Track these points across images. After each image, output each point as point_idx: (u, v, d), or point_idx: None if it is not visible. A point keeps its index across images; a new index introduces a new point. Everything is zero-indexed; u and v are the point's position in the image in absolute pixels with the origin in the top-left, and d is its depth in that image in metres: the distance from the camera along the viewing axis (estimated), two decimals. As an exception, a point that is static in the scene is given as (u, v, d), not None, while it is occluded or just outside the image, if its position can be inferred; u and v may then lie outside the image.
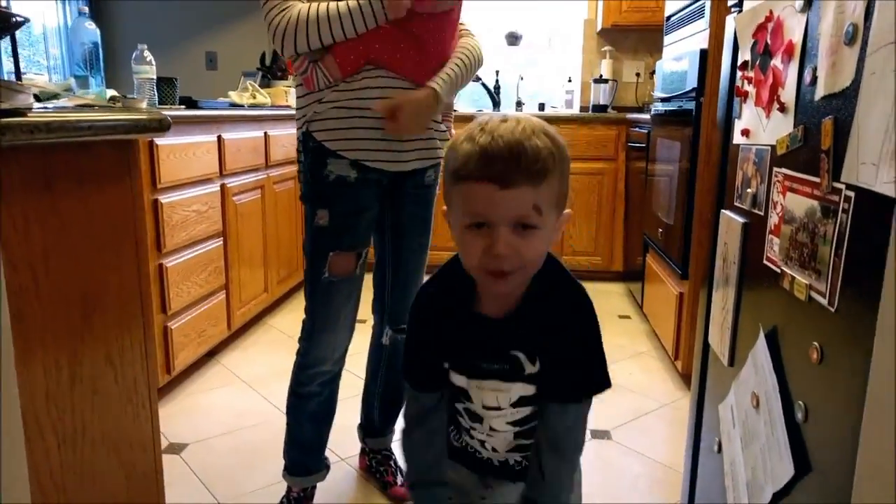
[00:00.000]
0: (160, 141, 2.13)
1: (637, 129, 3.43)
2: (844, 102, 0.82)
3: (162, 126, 1.02)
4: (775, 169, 1.04)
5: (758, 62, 1.12)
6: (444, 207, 0.89)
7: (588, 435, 2.08)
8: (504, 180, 0.77)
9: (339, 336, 1.52)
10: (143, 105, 2.16)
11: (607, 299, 3.63)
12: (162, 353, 2.22)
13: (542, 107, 4.31)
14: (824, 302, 0.84)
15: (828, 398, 0.85)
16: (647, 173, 3.14)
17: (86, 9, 2.30)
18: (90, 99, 1.96)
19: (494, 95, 4.28)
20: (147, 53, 2.30)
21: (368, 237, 1.56)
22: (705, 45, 2.22)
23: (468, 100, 4.62)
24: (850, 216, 0.79)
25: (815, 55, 0.91)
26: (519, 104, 4.32)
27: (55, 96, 2.27)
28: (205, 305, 2.50)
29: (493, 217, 0.79)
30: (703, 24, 2.29)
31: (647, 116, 3.20)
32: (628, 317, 3.30)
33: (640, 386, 2.47)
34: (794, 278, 0.93)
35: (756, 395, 1.06)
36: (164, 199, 2.18)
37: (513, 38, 4.42)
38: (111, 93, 2.40)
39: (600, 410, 2.25)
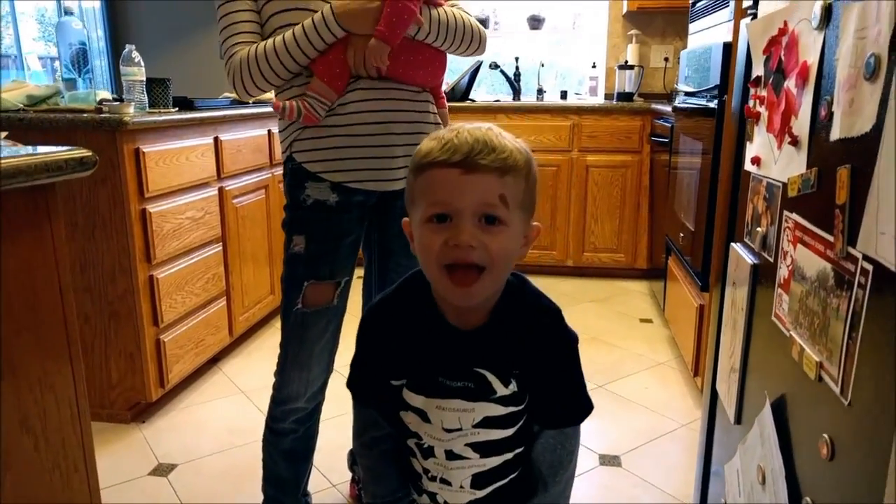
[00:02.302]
0: (147, 148, 2.04)
1: (662, 121, 3.23)
2: (864, 150, 0.66)
3: (84, 165, 0.91)
4: (786, 213, 0.88)
5: (771, 80, 0.96)
6: (406, 219, 0.81)
7: (596, 460, 1.95)
8: (468, 165, 0.71)
9: (314, 372, 1.42)
10: (131, 109, 2.07)
11: (630, 300, 3.46)
12: (155, 368, 2.15)
13: (564, 95, 4.12)
14: (836, 390, 0.70)
15: (840, 501, 0.71)
16: (670, 168, 2.95)
17: (73, 6, 2.21)
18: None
19: (514, 83, 4.10)
20: (135, 54, 2.20)
21: (349, 266, 1.44)
22: (729, 38, 2.02)
23: (487, 88, 4.44)
24: (867, 293, 0.64)
25: (832, 84, 0.75)
26: (540, 92, 4.13)
27: (43, 101, 2.20)
28: (203, 314, 2.43)
29: (457, 204, 0.72)
30: (727, 13, 2.09)
31: (670, 108, 3.00)
32: (650, 320, 3.14)
33: (657, 403, 2.32)
34: (803, 350, 0.79)
35: (762, 469, 0.92)
36: (154, 208, 2.10)
37: (535, 22, 4.23)
38: (102, 95, 2.33)
39: (612, 432, 2.12)
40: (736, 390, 1.08)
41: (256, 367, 2.61)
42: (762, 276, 0.99)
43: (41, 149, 0.89)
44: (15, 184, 0.81)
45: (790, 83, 0.88)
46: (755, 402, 0.99)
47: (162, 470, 1.91)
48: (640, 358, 2.68)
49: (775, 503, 0.85)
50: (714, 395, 1.26)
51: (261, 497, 1.55)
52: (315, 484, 1.70)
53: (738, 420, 1.08)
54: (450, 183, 0.72)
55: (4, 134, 0.95)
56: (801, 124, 0.83)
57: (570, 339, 0.84)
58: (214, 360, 2.63)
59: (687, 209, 2.48)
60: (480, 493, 0.86)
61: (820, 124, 0.78)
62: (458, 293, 0.75)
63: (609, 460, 1.96)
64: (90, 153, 0.92)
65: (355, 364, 0.91)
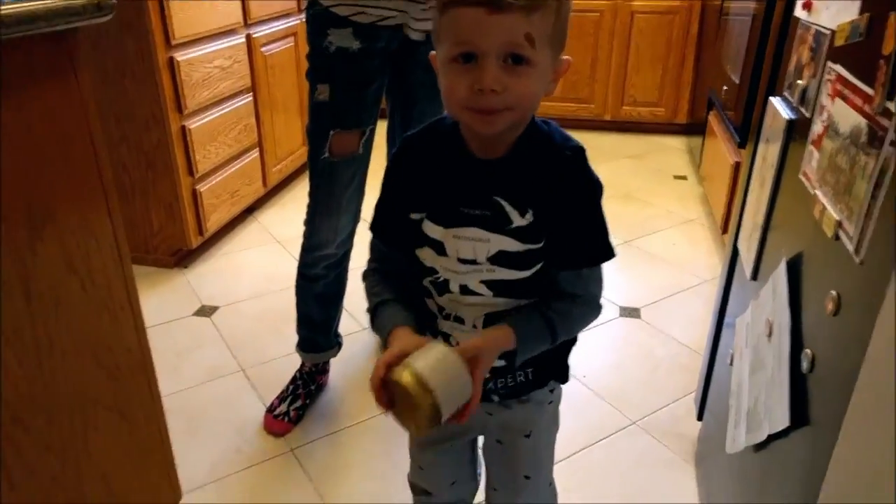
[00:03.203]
0: (169, -8, 1.98)
1: (717, -40, 2.95)
2: (919, -6, 0.61)
3: (102, 10, 0.89)
4: (829, 64, 0.83)
5: (833, -90, 0.86)
6: (433, 52, 0.80)
7: (616, 311, 2.02)
8: (494, 3, 0.69)
9: (343, 220, 1.46)
10: (148, -50, 1.97)
11: (666, 156, 3.39)
12: (193, 216, 2.24)
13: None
14: (850, 248, 0.69)
15: (836, 354, 0.73)
16: (721, 14, 2.75)
17: None
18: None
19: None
20: None
21: (374, 114, 1.43)
22: None
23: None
24: (897, 152, 0.62)
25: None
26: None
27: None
28: (237, 165, 2.47)
29: (481, 45, 0.71)
30: None
31: (728, -55, 2.73)
32: (684, 177, 3.08)
33: (683, 259, 2.35)
34: (824, 209, 0.77)
35: (770, 323, 0.94)
36: (181, 56, 2.07)
37: None
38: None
39: (635, 286, 2.17)
40: (756, 247, 1.08)
41: (291, 216, 2.69)
42: (797, 131, 0.95)
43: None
44: (34, 29, 0.80)
45: (852, -86, 0.79)
46: (772, 260, 0.99)
47: (205, 311, 2.05)
48: (670, 215, 2.68)
49: (778, 354, 0.89)
50: (735, 252, 1.27)
51: (295, 337, 1.66)
52: (345, 327, 1.80)
53: (755, 276, 1.10)
54: (474, 22, 0.70)
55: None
56: (858, -37, 0.76)
57: (592, 181, 0.82)
58: (250, 211, 2.71)
59: (734, 60, 2.34)
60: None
61: (878, -36, 0.71)
62: (481, 121, 0.76)
63: (629, 312, 2.03)
64: (106, -4, 0.90)
65: (379, 205, 0.92)
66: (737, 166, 2.17)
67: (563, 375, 0.95)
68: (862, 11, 0.76)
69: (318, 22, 1.34)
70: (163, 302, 2.09)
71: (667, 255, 2.37)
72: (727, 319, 1.29)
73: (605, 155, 3.38)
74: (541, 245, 0.83)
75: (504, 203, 0.82)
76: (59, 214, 0.91)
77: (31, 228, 0.87)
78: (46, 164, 0.89)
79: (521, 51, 0.71)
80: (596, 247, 0.84)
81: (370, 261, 0.95)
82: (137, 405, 1.14)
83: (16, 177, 0.84)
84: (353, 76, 1.36)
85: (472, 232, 0.83)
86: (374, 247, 0.94)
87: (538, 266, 0.84)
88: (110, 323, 1.03)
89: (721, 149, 2.41)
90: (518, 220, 0.82)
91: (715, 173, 2.53)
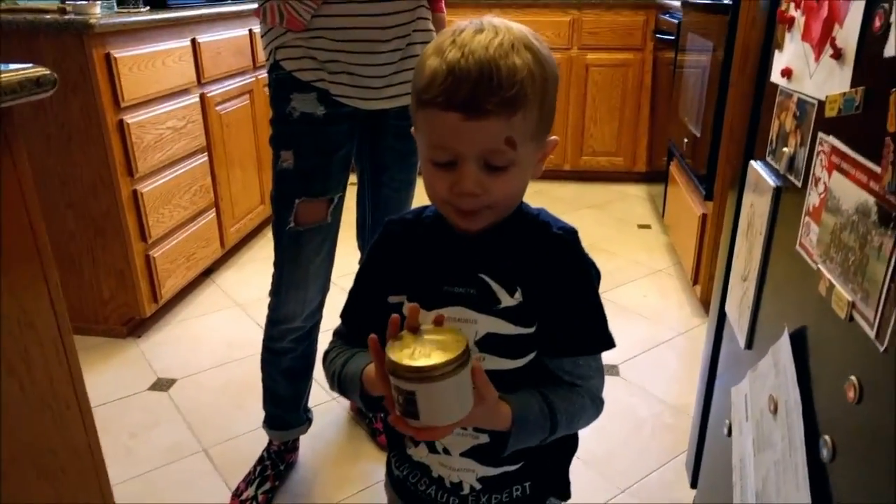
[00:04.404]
0: (118, 53, 1.90)
1: (668, 16, 3.04)
2: (929, 71, 0.58)
3: (41, 86, 0.81)
4: (821, 135, 0.81)
5: (812, -20, 0.85)
6: (413, 128, 0.76)
7: (593, 371, 1.97)
8: (471, 109, 0.64)
9: (310, 292, 1.38)
10: (97, 10, 1.92)
11: (628, 205, 3.41)
12: (146, 283, 2.11)
13: (564, -15, 3.86)
14: (870, 333, 0.65)
15: (863, 446, 0.68)
16: (675, 67, 2.81)
17: None
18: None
19: (511, -27, 3.83)
20: (98, -54, 2.00)
21: (342, 181, 1.37)
22: (751, -77, 1.85)
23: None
24: (918, 234, 0.58)
25: (892, -11, 0.65)
26: (538, -17, 3.87)
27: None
28: (192, 227, 2.36)
29: (459, 150, 0.67)
30: None
31: (678, 2, 2.81)
32: (648, 226, 3.10)
33: (655, 311, 2.32)
34: (832, 286, 0.74)
35: (774, 399, 0.89)
36: (131, 118, 1.98)
37: None
38: (67, -7, 2.14)
39: (608, 341, 2.12)
40: (749, 316, 1.04)
41: (251, 278, 2.58)
42: (786, 201, 0.93)
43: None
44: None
45: (837, -15, 0.77)
46: (769, 332, 0.95)
47: (161, 385, 1.91)
48: (638, 265, 2.67)
49: (788, 435, 0.84)
50: (721, 317, 1.23)
51: (261, 411, 1.55)
52: (316, 399, 1.70)
53: (749, 346, 1.05)
54: (451, 127, 0.66)
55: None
56: (847, 35, 0.74)
57: (587, 263, 0.77)
58: (208, 273, 2.60)
59: (692, 113, 2.37)
60: (484, 438, 0.81)
61: (872, 37, 0.69)
62: (461, 219, 0.72)
63: (607, 369, 1.96)
64: (48, 72, 0.82)
65: (353, 292, 0.85)
66: (704, 218, 2.17)
67: (563, 491, 0.87)
68: (854, 83, 0.73)
69: (281, 87, 1.29)
70: (115, 376, 1.95)
71: (639, 307, 2.34)
72: (716, 387, 1.25)
73: (568, 205, 3.38)
74: (533, 330, 0.76)
75: (490, 281, 0.76)
76: (-6, 314, 0.81)
77: (-39, 331, 0.77)
78: (-21, 259, 0.79)
79: (502, 156, 0.67)
80: (594, 334, 0.78)
81: (331, 343, 0.86)
82: (86, 514, 1.02)
83: (-56, 275, 0.74)
84: (318, 142, 1.31)
85: (457, 312, 0.76)
86: (339, 336, 0.86)
87: (531, 356, 0.78)
88: (53, 424, 0.92)
89: (685, 199, 2.43)
90: (506, 300, 0.75)
91: (680, 223, 2.54)
